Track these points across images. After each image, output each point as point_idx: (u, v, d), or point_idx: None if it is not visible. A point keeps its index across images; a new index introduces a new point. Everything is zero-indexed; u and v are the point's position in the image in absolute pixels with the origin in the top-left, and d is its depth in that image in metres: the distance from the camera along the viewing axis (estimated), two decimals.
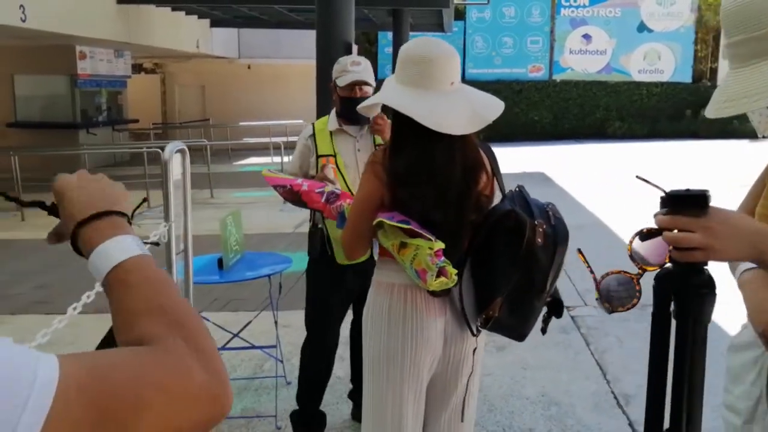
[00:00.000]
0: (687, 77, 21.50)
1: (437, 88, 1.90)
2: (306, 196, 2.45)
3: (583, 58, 21.02)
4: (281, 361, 3.70)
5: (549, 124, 20.59)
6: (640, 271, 1.16)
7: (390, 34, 20.13)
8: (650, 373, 1.21)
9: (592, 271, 1.23)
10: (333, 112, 2.97)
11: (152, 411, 0.63)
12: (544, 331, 2.03)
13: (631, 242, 1.15)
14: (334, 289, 2.94)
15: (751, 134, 19.55)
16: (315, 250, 2.94)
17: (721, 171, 12.79)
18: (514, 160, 15.37)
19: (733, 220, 1.07)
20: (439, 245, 1.80)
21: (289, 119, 17.34)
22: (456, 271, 1.79)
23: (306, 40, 18.72)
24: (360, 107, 2.24)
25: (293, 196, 2.50)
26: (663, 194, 1.07)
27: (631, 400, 3.53)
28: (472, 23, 19.96)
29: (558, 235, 1.86)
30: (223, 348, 3.61)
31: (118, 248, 0.78)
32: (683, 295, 1.10)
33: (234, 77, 20.49)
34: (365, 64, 2.94)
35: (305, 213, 10.90)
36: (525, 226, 1.82)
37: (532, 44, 20.93)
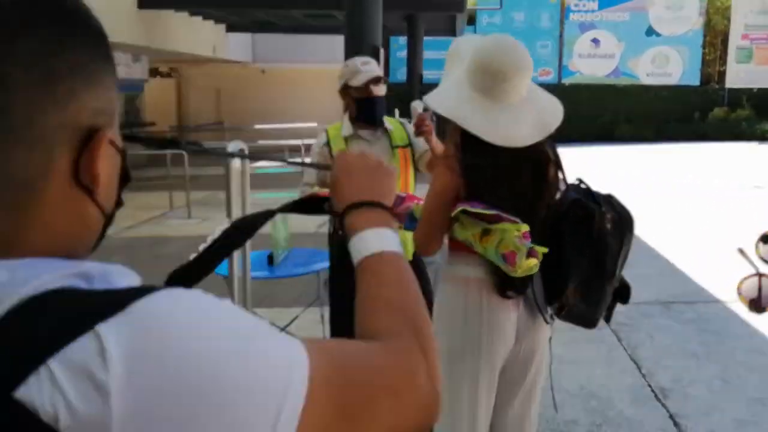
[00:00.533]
0: (695, 80, 21.49)
1: (507, 101, 1.93)
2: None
3: (592, 62, 21.06)
4: None
5: (559, 127, 20.59)
6: None
7: (401, 39, 20.32)
8: None
9: (759, 273, 1.30)
10: (346, 117, 2.90)
11: (381, 412, 0.62)
12: (608, 319, 2.11)
13: (757, 246, 1.22)
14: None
15: (760, 136, 19.58)
16: (334, 256, 2.88)
17: (732, 172, 12.81)
18: None
19: None
20: (525, 227, 1.82)
21: (303, 122, 17.46)
22: (546, 249, 1.80)
23: (320, 44, 18.89)
24: (429, 104, 2.11)
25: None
26: None
27: (668, 393, 3.59)
28: (483, 28, 20.02)
29: (624, 222, 1.92)
30: None
31: (379, 239, 0.82)
32: None
33: (248, 81, 20.61)
34: (374, 61, 2.91)
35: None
36: (594, 215, 1.86)
37: (542, 48, 20.97)
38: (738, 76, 21.20)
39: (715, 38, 22.65)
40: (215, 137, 18.50)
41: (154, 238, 7.90)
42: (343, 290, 2.72)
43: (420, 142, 2.87)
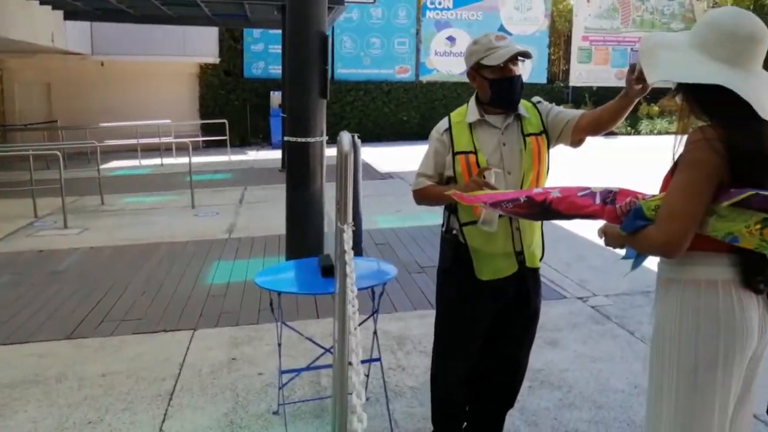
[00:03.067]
0: (542, 78, 23.83)
1: (754, 70, 1.86)
2: (563, 203, 2.11)
3: (448, 60, 22.65)
4: (367, 376, 3.79)
5: (417, 124, 21.96)
6: None
7: (256, 32, 20.68)
8: None
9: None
10: (472, 101, 2.69)
11: None
12: None
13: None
14: (469, 304, 2.73)
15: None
16: (447, 259, 2.75)
17: (600, 167, 14.48)
18: (389, 159, 16.42)
19: None
20: None
21: (152, 120, 17.31)
22: None
23: (170, 36, 18.78)
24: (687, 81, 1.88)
25: (534, 209, 2.18)
26: None
27: None
28: (340, 23, 20.88)
29: None
30: (314, 367, 3.79)
31: None
32: None
33: (86, 75, 19.96)
34: (508, 37, 2.67)
35: (231, 217, 11.22)
36: None
37: (399, 45, 22.29)
38: (580, 75, 23.82)
39: (558, 39, 25.17)
40: (49, 138, 17.77)
41: (39, 252, 7.37)
42: (454, 293, 2.76)
43: (563, 111, 2.75)
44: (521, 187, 2.58)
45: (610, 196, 2.04)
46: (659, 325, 2.00)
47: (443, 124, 2.70)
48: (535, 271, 2.79)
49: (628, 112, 2.60)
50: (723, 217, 1.79)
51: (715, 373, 1.86)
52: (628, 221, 1.93)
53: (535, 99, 2.80)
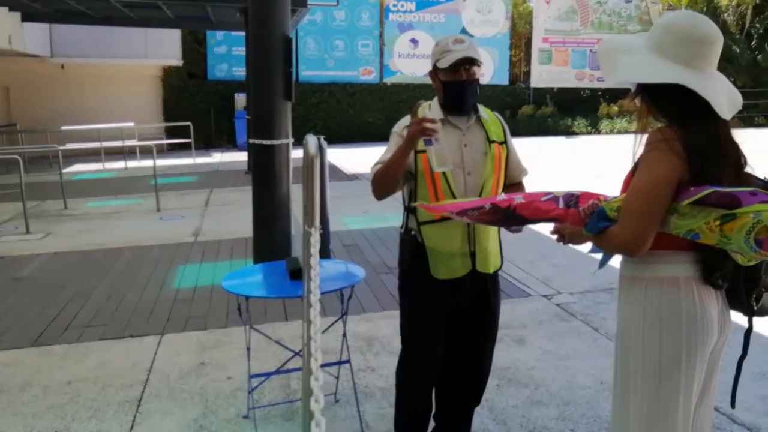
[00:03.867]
0: (504, 80, 24.08)
1: (708, 71, 1.90)
2: (527, 209, 2.17)
3: (411, 62, 22.72)
4: (337, 378, 3.76)
5: (382, 126, 21.98)
6: None
7: (219, 34, 20.50)
8: None
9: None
10: (435, 101, 2.70)
11: None
12: None
13: None
14: (430, 303, 2.75)
15: (564, 131, 22.40)
16: (406, 260, 2.74)
17: (568, 164, 14.66)
18: (355, 160, 16.41)
19: None
20: None
21: (115, 123, 17.04)
22: None
23: (133, 38, 18.51)
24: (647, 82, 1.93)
25: (499, 215, 2.23)
26: None
27: None
28: (303, 26, 20.82)
29: None
30: (283, 371, 3.73)
31: None
32: None
33: (46, 78, 19.55)
34: (470, 41, 2.62)
35: (197, 220, 11.06)
36: None
37: (363, 48, 22.30)
38: (541, 76, 24.10)
39: (519, 41, 25.42)
40: (9, 141, 17.40)
41: (0, 258, 7.20)
42: (414, 293, 2.75)
43: (514, 155, 2.81)
44: (481, 192, 2.63)
45: (573, 199, 2.10)
46: (623, 322, 2.04)
47: (405, 120, 2.66)
48: (493, 275, 2.81)
49: None
50: (684, 215, 1.82)
51: (678, 368, 1.91)
52: (591, 223, 1.98)
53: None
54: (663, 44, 1.90)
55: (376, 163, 2.66)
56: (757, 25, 23.69)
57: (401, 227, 2.80)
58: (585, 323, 4.88)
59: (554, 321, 4.93)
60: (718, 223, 1.75)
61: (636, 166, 1.94)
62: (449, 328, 2.81)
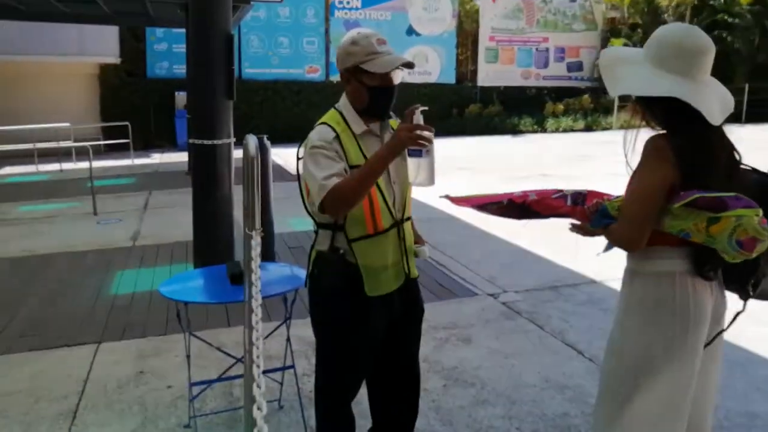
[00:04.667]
0: (451, 78, 24.33)
1: (703, 80, 2.07)
2: (540, 205, 2.36)
3: None
4: (281, 384, 3.72)
5: None
6: None
7: (159, 31, 20.13)
8: None
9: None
10: (349, 109, 2.44)
11: None
12: None
13: None
14: (365, 326, 2.51)
15: (511, 130, 22.77)
16: (334, 281, 2.46)
17: (514, 163, 14.86)
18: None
19: None
20: (760, 210, 1.88)
21: (51, 123, 16.54)
22: None
23: (68, 35, 17.99)
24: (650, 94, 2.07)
25: (514, 210, 2.41)
26: None
27: None
28: (247, 22, 20.61)
29: None
30: (225, 378, 3.66)
31: None
32: None
33: None
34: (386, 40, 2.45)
35: (135, 224, 10.81)
36: None
37: (308, 45, 22.22)
38: (487, 75, 24.45)
39: (466, 39, 25.71)
40: None
41: None
42: (346, 316, 2.47)
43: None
44: (405, 199, 2.54)
45: (580, 197, 2.31)
46: (623, 312, 2.23)
47: (327, 132, 2.37)
48: (415, 280, 2.69)
49: None
50: (676, 216, 2.02)
51: (673, 356, 2.09)
52: (596, 219, 2.21)
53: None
54: (660, 57, 2.07)
55: (326, 177, 2.25)
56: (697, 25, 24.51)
57: (316, 247, 2.51)
58: (531, 321, 4.95)
59: (500, 320, 4.99)
60: (704, 224, 1.96)
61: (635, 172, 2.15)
62: (383, 345, 2.63)
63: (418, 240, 2.69)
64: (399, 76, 2.44)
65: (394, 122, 2.58)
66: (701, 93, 2.03)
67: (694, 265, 2.09)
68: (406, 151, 2.26)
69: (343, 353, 2.57)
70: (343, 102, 2.47)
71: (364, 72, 2.35)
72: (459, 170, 13.21)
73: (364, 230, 2.41)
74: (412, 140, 2.17)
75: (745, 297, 2.16)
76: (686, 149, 2.01)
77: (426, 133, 2.16)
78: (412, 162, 2.27)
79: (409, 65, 2.43)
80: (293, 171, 14.37)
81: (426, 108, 2.31)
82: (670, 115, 2.08)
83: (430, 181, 2.28)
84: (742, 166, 2.15)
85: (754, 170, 2.17)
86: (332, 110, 2.49)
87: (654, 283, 2.12)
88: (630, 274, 2.22)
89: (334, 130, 2.37)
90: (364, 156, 2.37)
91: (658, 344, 2.10)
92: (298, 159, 2.46)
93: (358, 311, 2.49)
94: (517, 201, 2.40)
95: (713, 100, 2.06)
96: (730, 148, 2.14)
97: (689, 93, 2.01)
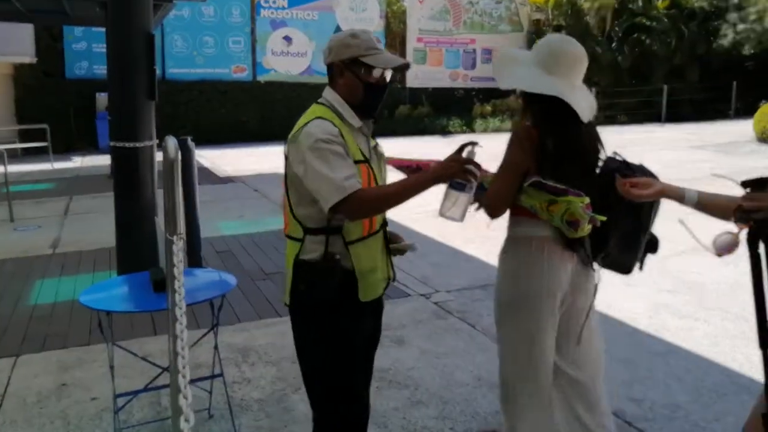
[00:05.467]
0: None
1: (576, 83, 2.50)
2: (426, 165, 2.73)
3: (286, 60, 22.56)
4: (210, 392, 3.63)
5: (257, 125, 21.67)
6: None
7: (77, 30, 19.45)
8: (759, 296, 1.90)
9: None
10: (342, 105, 2.36)
11: None
12: (642, 266, 2.70)
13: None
14: (360, 334, 2.46)
15: (441, 130, 23.01)
16: (331, 288, 2.28)
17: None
18: (229, 162, 16.10)
19: None
20: (587, 200, 2.34)
21: None
22: (604, 218, 2.37)
23: None
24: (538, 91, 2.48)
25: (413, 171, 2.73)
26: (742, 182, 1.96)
27: None
28: (170, 21, 20.12)
29: None
30: (152, 388, 3.51)
31: None
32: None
33: None
34: None
35: (55, 230, 10.42)
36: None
37: (234, 44, 21.87)
38: (416, 76, 24.58)
39: (394, 40, 25.81)
40: None
41: None
42: (344, 327, 2.34)
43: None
44: None
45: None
46: (499, 271, 2.72)
47: (329, 126, 2.25)
48: (380, 302, 2.60)
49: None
50: (527, 194, 2.47)
51: (530, 306, 2.57)
52: (478, 190, 2.35)
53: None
54: (545, 62, 2.49)
55: (347, 178, 2.16)
56: (617, 28, 25.37)
57: (307, 255, 2.31)
58: (462, 320, 5.01)
59: (432, 320, 5.03)
60: (546, 204, 2.42)
61: None
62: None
63: (398, 238, 2.63)
64: (389, 77, 2.41)
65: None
66: (576, 95, 2.45)
67: (556, 232, 2.51)
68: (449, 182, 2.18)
69: (347, 367, 2.42)
70: (333, 96, 2.38)
71: (363, 65, 2.31)
72: (390, 170, 13.20)
73: (361, 231, 2.33)
74: (462, 173, 2.12)
75: (600, 265, 2.67)
76: (548, 146, 2.45)
77: (475, 170, 2.13)
78: (451, 194, 2.17)
79: (406, 66, 2.43)
80: (220, 173, 14.19)
81: (482, 146, 2.22)
82: (546, 114, 2.49)
83: (462, 217, 2.19)
84: (608, 155, 2.61)
85: (612, 158, 2.60)
86: (318, 106, 2.38)
87: (514, 245, 2.64)
88: (506, 239, 2.70)
89: (334, 124, 2.27)
90: (362, 153, 2.32)
91: (512, 292, 2.62)
92: (287, 158, 2.33)
93: (355, 320, 2.39)
94: (423, 167, 2.68)
95: (584, 102, 2.48)
96: (596, 142, 2.62)
97: (567, 93, 2.42)
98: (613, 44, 25.22)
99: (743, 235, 1.90)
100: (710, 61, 25.71)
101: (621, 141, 17.38)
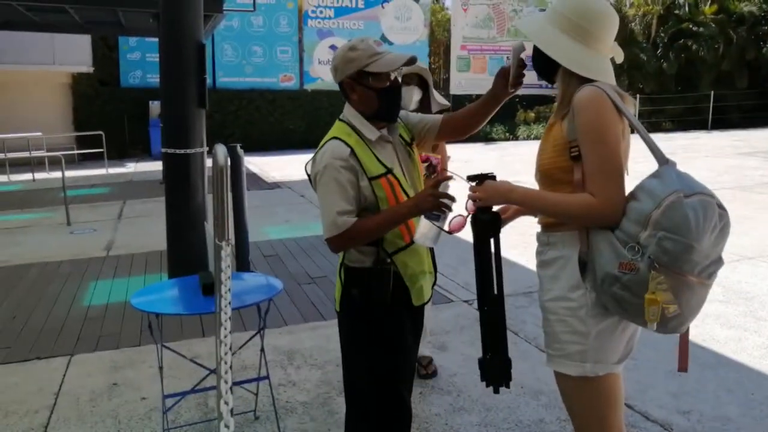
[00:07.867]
0: None
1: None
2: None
3: None
4: (256, 394, 3.66)
5: (303, 133, 21.84)
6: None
7: (132, 40, 19.93)
8: (478, 265, 2.21)
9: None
10: (357, 117, 2.35)
11: None
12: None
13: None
14: (407, 341, 2.45)
15: (483, 138, 22.83)
16: (386, 293, 2.30)
17: (470, 168, 14.84)
18: (276, 168, 16.25)
19: (494, 184, 2.13)
20: None
21: (23, 132, 16.27)
22: None
23: (40, 44, 17.71)
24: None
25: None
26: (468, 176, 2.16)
27: None
28: (220, 31, 20.47)
29: None
30: (199, 390, 3.57)
31: None
32: (480, 222, 2.17)
33: None
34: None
35: (109, 233, 10.69)
36: None
37: (282, 54, 22.11)
38: (460, 83, 24.50)
39: (438, 48, 25.80)
40: None
41: None
42: (401, 334, 2.39)
43: (422, 116, 2.59)
44: None
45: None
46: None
47: (341, 147, 2.26)
48: (420, 310, 2.59)
49: (494, 113, 2.52)
50: None
51: None
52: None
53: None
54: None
55: (339, 214, 2.23)
56: (662, 34, 24.87)
57: (357, 263, 2.35)
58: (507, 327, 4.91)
59: (475, 326, 4.95)
60: None
61: None
62: None
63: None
64: (400, 77, 2.43)
65: (403, 129, 2.50)
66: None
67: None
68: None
69: (400, 371, 2.45)
70: (350, 112, 2.38)
71: (369, 74, 2.29)
72: None
73: (402, 241, 2.36)
74: (437, 206, 2.17)
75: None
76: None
77: (449, 203, 2.18)
78: (425, 222, 2.23)
79: (412, 61, 2.35)
80: (268, 179, 14.34)
81: (455, 179, 2.29)
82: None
83: (435, 243, 2.26)
84: None
85: None
86: (338, 123, 2.40)
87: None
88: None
89: (347, 144, 2.27)
90: (382, 164, 2.31)
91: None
92: (308, 174, 2.39)
93: (409, 325, 2.44)
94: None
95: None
96: None
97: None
98: (659, 51, 24.73)
99: (470, 219, 2.17)
100: (759, 67, 25.02)
101: (672, 147, 17.06)
